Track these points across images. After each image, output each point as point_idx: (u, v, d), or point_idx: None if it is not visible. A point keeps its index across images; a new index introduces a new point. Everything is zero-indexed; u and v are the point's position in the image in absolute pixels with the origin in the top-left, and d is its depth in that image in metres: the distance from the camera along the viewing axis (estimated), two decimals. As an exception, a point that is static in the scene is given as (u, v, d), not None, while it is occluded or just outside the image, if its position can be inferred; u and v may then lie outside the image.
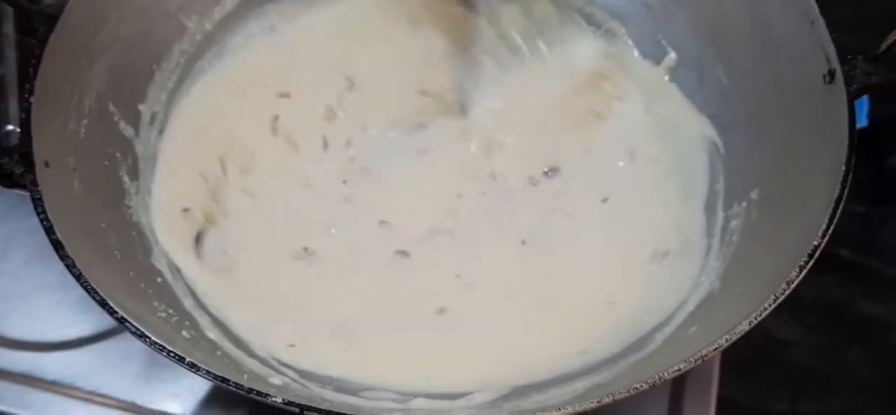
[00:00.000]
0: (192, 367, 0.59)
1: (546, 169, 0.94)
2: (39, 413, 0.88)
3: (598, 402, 0.59)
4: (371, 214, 0.91)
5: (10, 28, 1.00)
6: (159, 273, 0.79)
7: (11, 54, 1.00)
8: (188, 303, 0.78)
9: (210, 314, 0.79)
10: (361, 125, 0.97)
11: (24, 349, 0.92)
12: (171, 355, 0.60)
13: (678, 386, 0.89)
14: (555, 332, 0.82)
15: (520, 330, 0.82)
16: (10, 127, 0.98)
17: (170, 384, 0.89)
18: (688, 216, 0.87)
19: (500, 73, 1.00)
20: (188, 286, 0.80)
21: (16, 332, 0.93)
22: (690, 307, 0.77)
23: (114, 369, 0.90)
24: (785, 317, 0.86)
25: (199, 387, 0.89)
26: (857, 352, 1.08)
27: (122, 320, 0.61)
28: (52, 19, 0.76)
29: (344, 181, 0.93)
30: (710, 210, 0.86)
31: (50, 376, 0.90)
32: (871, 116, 1.05)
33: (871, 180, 1.09)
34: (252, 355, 0.76)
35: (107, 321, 0.83)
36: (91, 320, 0.93)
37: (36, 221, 0.66)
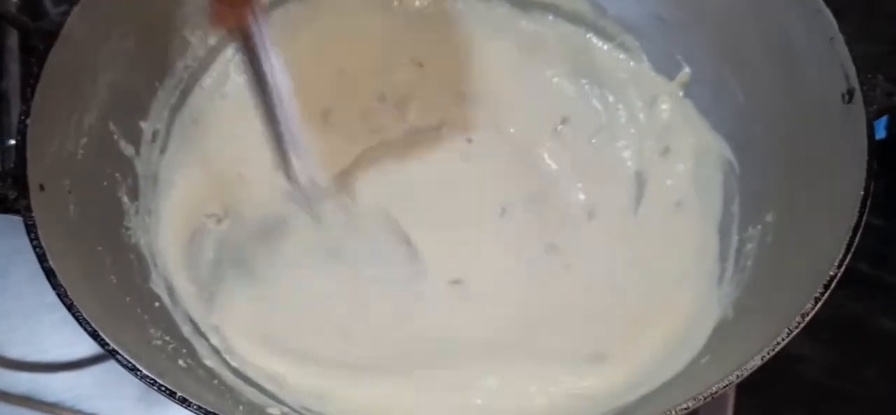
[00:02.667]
0: (183, 402, 0.59)
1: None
2: (39, 436, 0.87)
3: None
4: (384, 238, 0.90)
5: (13, 42, 0.99)
6: (157, 298, 0.77)
7: (14, 68, 0.99)
8: (186, 329, 0.77)
9: (208, 341, 0.78)
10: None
11: (25, 370, 0.91)
12: (162, 388, 0.59)
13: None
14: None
15: (532, 360, 0.81)
16: (12, 142, 0.97)
17: (171, 408, 0.86)
18: (702, 239, 0.86)
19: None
20: (187, 312, 0.79)
21: (17, 352, 0.93)
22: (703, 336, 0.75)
23: (115, 390, 0.90)
24: (799, 333, 0.83)
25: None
26: (874, 369, 1.06)
27: (112, 353, 0.60)
28: (51, 37, 0.74)
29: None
30: (724, 232, 0.84)
31: (51, 398, 0.90)
32: (889, 129, 1.03)
33: (888, 193, 1.07)
34: (250, 383, 0.74)
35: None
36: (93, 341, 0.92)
37: (40, 239, 0.66)
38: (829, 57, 0.73)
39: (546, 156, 0.96)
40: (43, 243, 0.65)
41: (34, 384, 0.90)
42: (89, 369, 0.91)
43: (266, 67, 0.74)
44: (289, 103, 0.77)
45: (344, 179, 0.92)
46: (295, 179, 0.82)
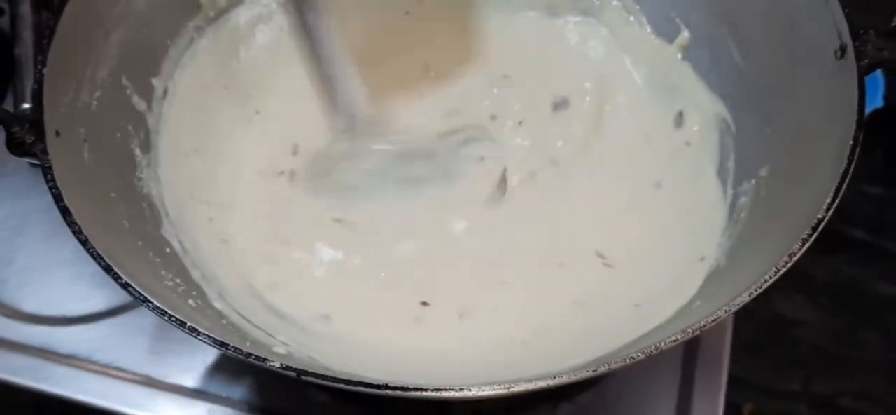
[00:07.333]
0: (193, 331, 0.60)
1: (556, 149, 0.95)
2: (55, 386, 0.90)
3: (594, 371, 0.59)
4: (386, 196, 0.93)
5: (26, 9, 1.01)
6: (168, 244, 0.79)
7: (28, 35, 1.00)
8: (196, 274, 0.79)
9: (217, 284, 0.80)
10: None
11: (41, 323, 0.94)
12: (173, 319, 0.61)
13: (689, 364, 0.89)
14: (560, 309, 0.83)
15: (527, 305, 0.84)
16: (27, 106, 0.99)
17: (183, 358, 0.91)
18: (697, 194, 0.87)
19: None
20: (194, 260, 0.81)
21: (32, 306, 0.95)
22: (696, 284, 0.77)
23: (128, 343, 0.92)
24: (798, 297, 0.84)
25: (212, 360, 0.90)
26: (870, 332, 1.08)
27: (126, 286, 0.61)
28: (67, -8, 0.76)
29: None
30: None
31: (65, 350, 0.92)
32: (887, 98, 1.04)
33: (887, 162, 1.08)
34: (257, 326, 0.76)
35: (121, 296, 0.85)
36: (106, 294, 0.94)
37: (54, 197, 0.68)
38: (824, 16, 0.74)
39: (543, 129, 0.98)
40: (58, 185, 0.66)
41: (49, 337, 0.92)
42: (102, 323, 0.93)
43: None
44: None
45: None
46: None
